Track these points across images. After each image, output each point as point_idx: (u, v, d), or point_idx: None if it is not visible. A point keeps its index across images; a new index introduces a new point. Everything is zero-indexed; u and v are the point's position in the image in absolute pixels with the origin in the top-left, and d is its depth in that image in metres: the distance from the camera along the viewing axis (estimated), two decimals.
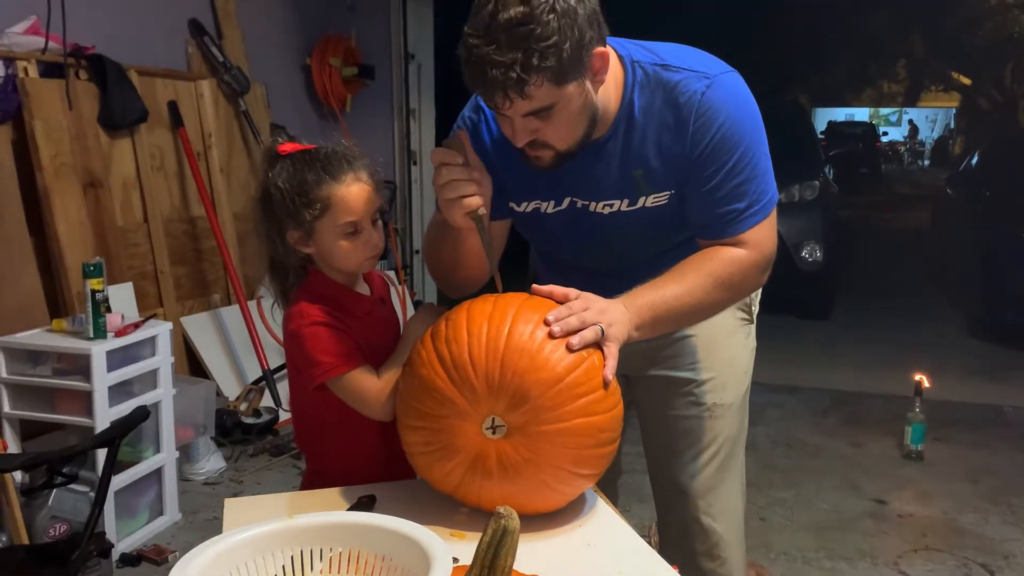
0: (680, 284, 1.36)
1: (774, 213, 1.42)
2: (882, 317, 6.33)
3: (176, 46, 4.14)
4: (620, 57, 1.39)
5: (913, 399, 3.67)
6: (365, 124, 5.20)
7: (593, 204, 1.46)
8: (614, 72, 1.37)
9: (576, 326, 1.22)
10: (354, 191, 1.38)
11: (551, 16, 1.19)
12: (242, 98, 4.33)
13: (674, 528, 1.69)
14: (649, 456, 1.73)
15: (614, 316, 1.27)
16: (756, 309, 1.71)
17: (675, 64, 1.38)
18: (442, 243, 1.48)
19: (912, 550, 2.89)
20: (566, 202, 1.48)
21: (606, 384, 1.22)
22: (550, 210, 1.50)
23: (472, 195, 1.33)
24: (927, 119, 32.67)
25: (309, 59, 5.09)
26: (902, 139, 30.67)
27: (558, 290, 1.28)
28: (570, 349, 1.20)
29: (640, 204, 1.44)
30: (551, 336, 1.21)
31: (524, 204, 1.52)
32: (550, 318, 1.22)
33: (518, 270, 1.43)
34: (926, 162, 28.67)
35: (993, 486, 3.39)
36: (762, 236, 1.40)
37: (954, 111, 27.37)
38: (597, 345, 1.24)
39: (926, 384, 3.69)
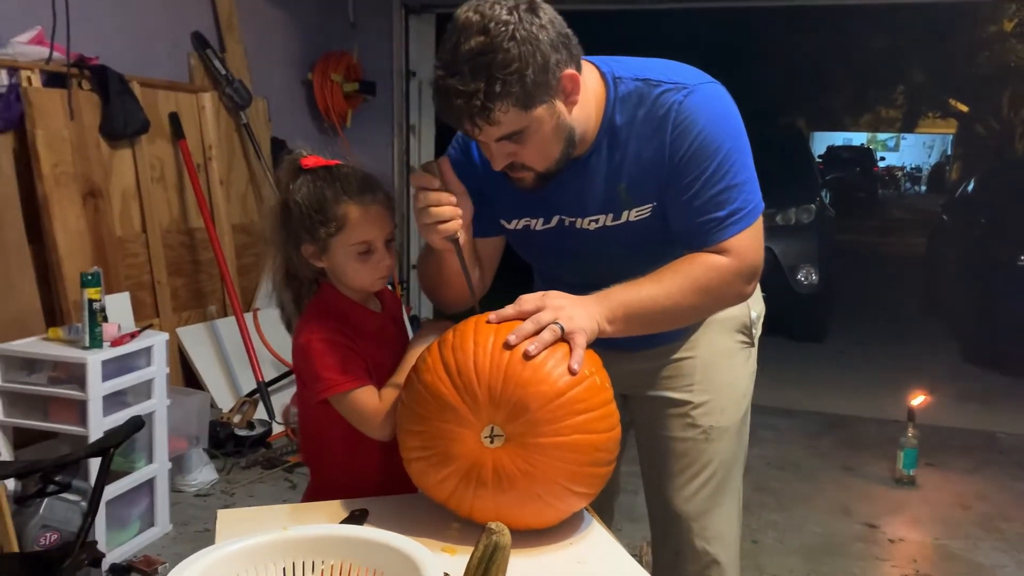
0: (657, 285, 1.37)
1: (759, 223, 1.42)
2: (877, 341, 6.35)
3: (179, 58, 4.17)
4: (602, 73, 1.41)
5: (906, 424, 3.68)
6: (365, 139, 5.22)
7: (580, 220, 1.47)
8: (595, 89, 1.39)
9: (531, 331, 1.24)
10: (371, 212, 1.39)
11: (511, 44, 1.22)
12: (243, 111, 4.35)
13: (668, 550, 1.69)
14: (645, 477, 1.73)
15: (574, 311, 1.28)
16: (758, 332, 1.70)
17: (656, 78, 1.40)
18: (427, 261, 1.51)
19: (902, 575, 2.89)
20: (554, 220, 1.50)
21: (573, 372, 1.22)
22: (539, 227, 1.52)
23: (449, 220, 1.35)
24: (924, 145, 32.85)
25: (311, 74, 5.12)
26: (899, 164, 30.82)
27: (508, 311, 1.29)
28: (527, 356, 1.21)
29: (624, 218, 1.45)
30: (506, 345, 1.22)
31: (515, 222, 1.53)
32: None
33: (522, 288, 1.44)
34: (923, 188, 28.81)
35: (985, 512, 3.39)
36: (745, 245, 1.40)
37: (951, 138, 27.53)
38: (564, 341, 1.25)
39: (919, 408, 3.70)
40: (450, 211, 1.36)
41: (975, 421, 4.51)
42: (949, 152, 28.82)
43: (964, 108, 19.05)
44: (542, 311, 1.26)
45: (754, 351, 1.71)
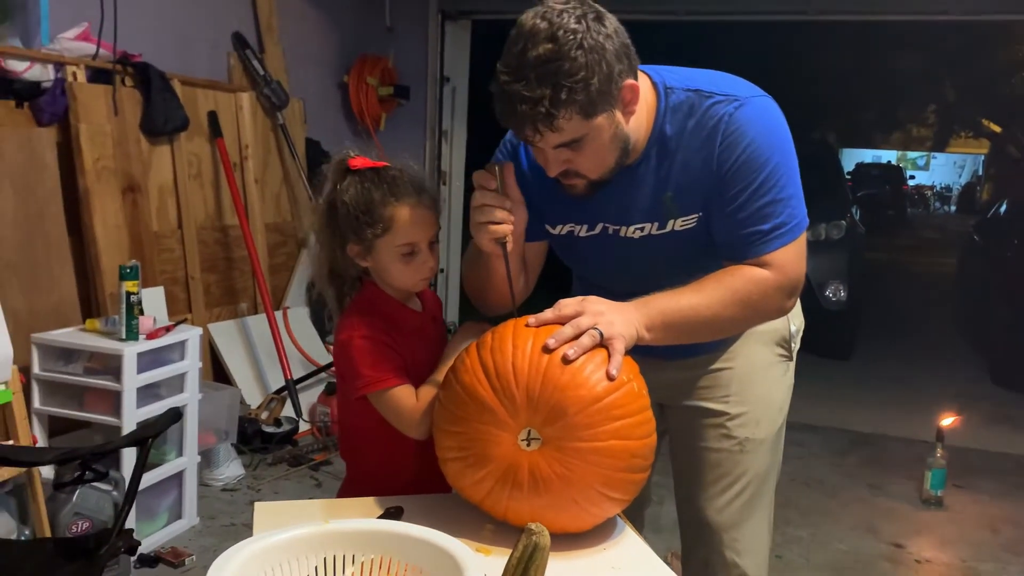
0: (698, 294, 1.37)
1: (802, 238, 1.42)
2: (905, 360, 6.28)
3: (219, 58, 4.23)
4: (653, 83, 1.42)
5: (934, 444, 3.64)
6: (398, 143, 5.24)
7: (624, 229, 1.48)
8: (646, 98, 1.40)
9: (571, 335, 1.25)
10: (417, 214, 1.41)
11: (579, 52, 1.23)
12: (280, 112, 4.40)
13: (697, 560, 1.69)
14: (678, 487, 1.73)
15: (613, 316, 1.28)
16: (796, 347, 1.70)
17: (707, 89, 1.41)
18: (475, 263, 1.52)
19: None
20: (598, 227, 1.51)
21: (611, 378, 1.22)
22: (583, 234, 1.53)
23: (500, 223, 1.36)
24: (955, 164, 32.50)
25: (347, 77, 5.17)
26: (929, 183, 30.51)
27: (547, 315, 1.29)
28: (566, 360, 1.21)
29: (669, 228, 1.46)
30: (545, 349, 1.23)
31: (559, 227, 1.55)
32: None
33: (561, 291, 1.46)
34: (952, 207, 28.49)
35: (1014, 537, 3.35)
36: (787, 259, 1.40)
37: (983, 158, 27.22)
38: (603, 346, 1.25)
39: (947, 429, 3.66)
40: (502, 215, 1.37)
41: (1004, 444, 4.45)
42: (980, 172, 28.50)
43: (997, 128, 18.80)
44: (581, 316, 1.27)
45: (792, 365, 1.70)
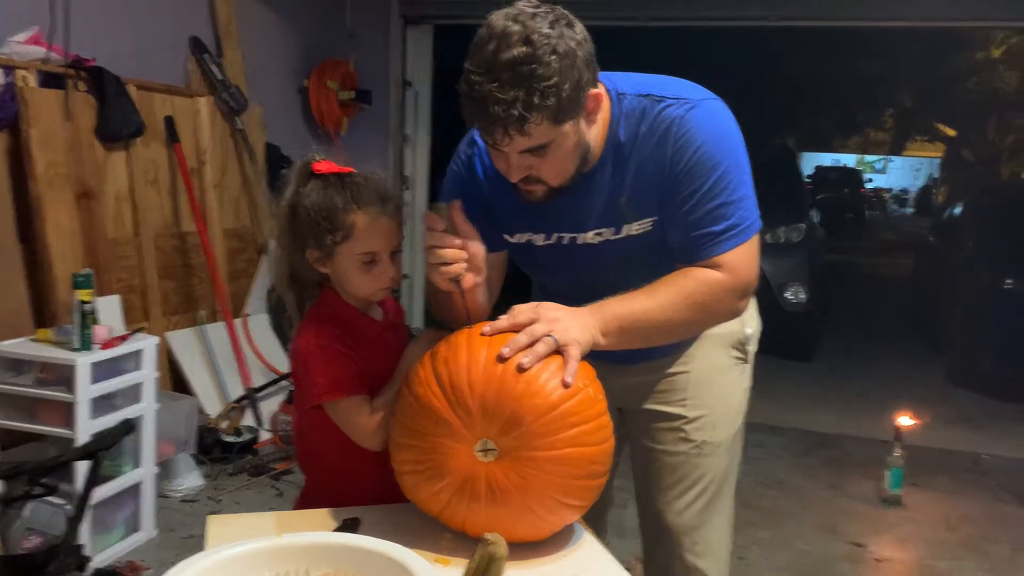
0: (651, 298, 1.37)
1: (755, 240, 1.43)
2: (864, 361, 6.37)
3: (176, 62, 4.16)
4: (606, 90, 1.42)
5: (893, 444, 3.69)
6: (360, 148, 5.22)
7: (581, 236, 1.48)
8: (602, 105, 1.40)
9: (525, 343, 1.24)
10: (379, 224, 1.39)
11: (552, 57, 1.22)
12: (239, 117, 4.35)
13: (658, 564, 1.69)
14: (638, 491, 1.73)
15: (568, 322, 1.28)
16: (753, 349, 1.71)
17: (658, 93, 1.42)
18: (435, 294, 1.49)
19: None
20: (555, 236, 1.51)
21: (567, 385, 1.22)
22: (541, 243, 1.52)
23: (452, 263, 1.34)
24: (912, 168, 33.09)
25: (307, 81, 5.13)
26: (887, 186, 31.02)
27: (502, 323, 1.29)
28: (521, 369, 1.21)
29: (625, 232, 1.46)
30: (500, 358, 1.22)
31: (517, 236, 1.54)
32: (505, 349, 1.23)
33: (521, 298, 1.45)
34: (909, 210, 28.99)
35: (970, 534, 3.41)
36: (739, 261, 1.41)
37: (939, 161, 27.74)
38: (558, 353, 1.25)
39: (906, 429, 3.72)
40: (454, 254, 1.34)
41: (961, 443, 4.53)
42: (936, 175, 29.04)
43: (952, 132, 19.22)
44: (536, 323, 1.26)
45: (749, 367, 1.72)
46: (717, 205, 1.39)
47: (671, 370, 1.64)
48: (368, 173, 1.42)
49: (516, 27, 1.23)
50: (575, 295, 1.38)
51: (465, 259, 1.35)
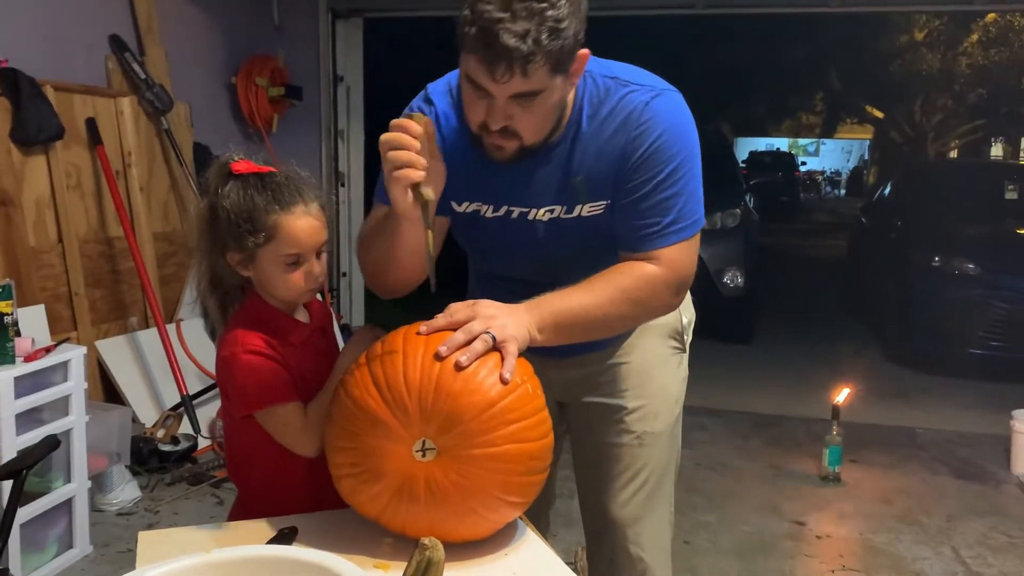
0: (588, 294, 1.37)
1: (696, 239, 1.44)
2: (802, 342, 6.50)
3: (96, 62, 4.03)
4: None
5: (831, 422, 3.77)
6: (292, 145, 5.13)
7: (532, 211, 1.46)
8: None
9: (463, 341, 1.22)
10: (301, 224, 1.35)
11: (564, 3, 1.22)
12: (164, 116, 4.23)
13: (602, 556, 1.69)
14: (580, 484, 1.73)
15: (505, 319, 1.26)
16: (689, 339, 1.72)
17: (624, 78, 1.42)
18: (378, 238, 1.42)
19: (830, 571, 2.95)
20: (503, 209, 1.48)
21: (505, 382, 1.21)
22: (489, 214, 1.49)
23: (415, 167, 1.25)
24: (843, 150, 33.93)
25: (235, 78, 5.01)
26: (820, 169, 31.75)
27: (438, 321, 1.26)
28: (459, 367, 1.19)
29: (576, 213, 1.45)
30: (437, 357, 1.20)
31: (465, 204, 1.50)
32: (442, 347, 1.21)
33: (456, 290, 1.42)
34: (842, 191, 29.72)
35: (906, 506, 3.50)
36: (678, 257, 1.41)
37: (868, 143, 28.48)
38: (496, 350, 1.23)
39: (843, 406, 3.80)
40: (418, 159, 1.25)
41: (896, 418, 4.66)
42: (867, 157, 29.81)
43: (879, 114, 19.73)
44: (473, 320, 1.25)
45: (686, 357, 1.73)
46: (668, 196, 1.39)
47: (610, 362, 1.63)
48: (289, 172, 1.38)
49: None
50: (517, 278, 1.36)
51: (425, 168, 1.27)
